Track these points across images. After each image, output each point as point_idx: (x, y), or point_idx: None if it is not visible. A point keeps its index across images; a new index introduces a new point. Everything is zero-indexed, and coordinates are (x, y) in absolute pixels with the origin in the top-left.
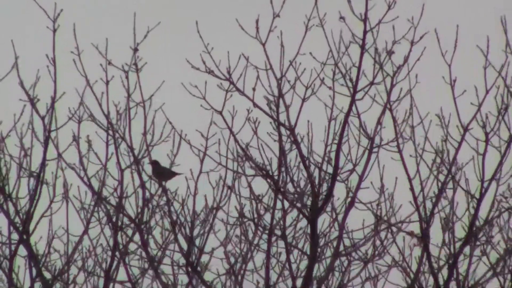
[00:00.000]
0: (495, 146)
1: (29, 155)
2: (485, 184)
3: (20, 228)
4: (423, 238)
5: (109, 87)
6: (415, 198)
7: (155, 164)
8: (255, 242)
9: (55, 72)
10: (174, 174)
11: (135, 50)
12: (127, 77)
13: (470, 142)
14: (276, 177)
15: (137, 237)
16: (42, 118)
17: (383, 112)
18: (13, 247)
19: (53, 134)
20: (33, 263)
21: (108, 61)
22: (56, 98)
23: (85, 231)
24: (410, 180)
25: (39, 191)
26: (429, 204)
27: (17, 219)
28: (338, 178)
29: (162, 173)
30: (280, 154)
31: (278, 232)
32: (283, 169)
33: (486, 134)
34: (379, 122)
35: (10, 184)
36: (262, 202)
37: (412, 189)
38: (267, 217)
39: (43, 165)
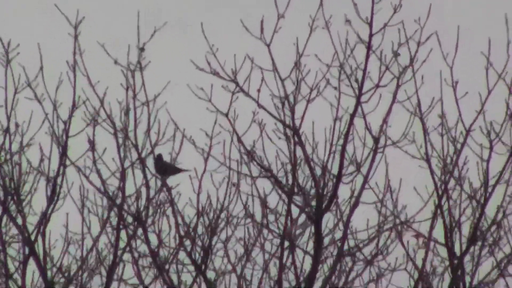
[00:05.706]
0: (500, 153)
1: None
2: (489, 189)
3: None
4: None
5: (112, 86)
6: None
7: (158, 158)
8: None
9: (74, 79)
10: (178, 170)
11: (141, 49)
12: (133, 77)
13: (474, 147)
14: (281, 179)
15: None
16: (65, 123)
17: (388, 113)
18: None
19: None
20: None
21: (114, 60)
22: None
23: (99, 235)
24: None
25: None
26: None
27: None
28: (342, 178)
29: (166, 169)
30: (291, 159)
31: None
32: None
33: (491, 141)
34: (384, 123)
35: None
36: (268, 207)
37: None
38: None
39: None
